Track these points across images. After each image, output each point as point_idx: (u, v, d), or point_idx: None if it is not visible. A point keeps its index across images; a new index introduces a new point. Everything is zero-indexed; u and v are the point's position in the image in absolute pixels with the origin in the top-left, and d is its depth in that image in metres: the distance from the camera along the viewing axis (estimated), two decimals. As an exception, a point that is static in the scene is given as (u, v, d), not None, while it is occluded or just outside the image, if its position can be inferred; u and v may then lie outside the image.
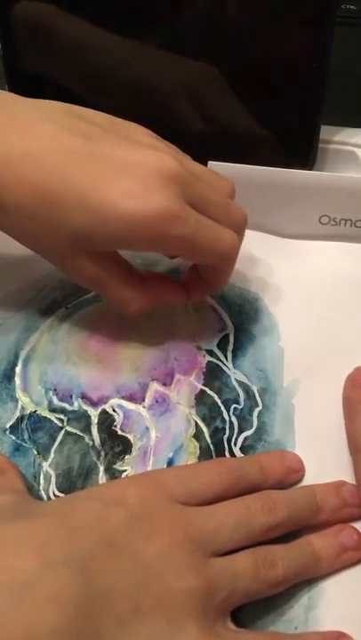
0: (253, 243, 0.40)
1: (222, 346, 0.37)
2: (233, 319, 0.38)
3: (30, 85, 0.41)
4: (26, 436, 0.34)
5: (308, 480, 0.32)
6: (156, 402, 0.35)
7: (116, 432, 0.34)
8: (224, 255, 0.34)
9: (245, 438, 0.33)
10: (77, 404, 0.35)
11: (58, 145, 0.31)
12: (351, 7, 0.46)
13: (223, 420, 0.34)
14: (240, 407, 0.34)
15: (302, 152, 0.40)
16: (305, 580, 0.29)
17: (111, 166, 0.31)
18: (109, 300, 0.35)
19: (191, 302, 0.39)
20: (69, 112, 0.33)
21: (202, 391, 0.35)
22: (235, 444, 0.33)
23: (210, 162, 0.39)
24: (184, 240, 0.31)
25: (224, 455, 0.33)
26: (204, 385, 0.35)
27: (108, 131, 0.33)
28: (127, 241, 0.32)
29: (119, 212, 0.30)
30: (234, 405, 0.35)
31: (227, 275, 0.35)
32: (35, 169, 0.31)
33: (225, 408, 0.34)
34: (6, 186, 0.31)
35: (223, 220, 0.33)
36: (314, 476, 0.32)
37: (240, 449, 0.33)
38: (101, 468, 0.33)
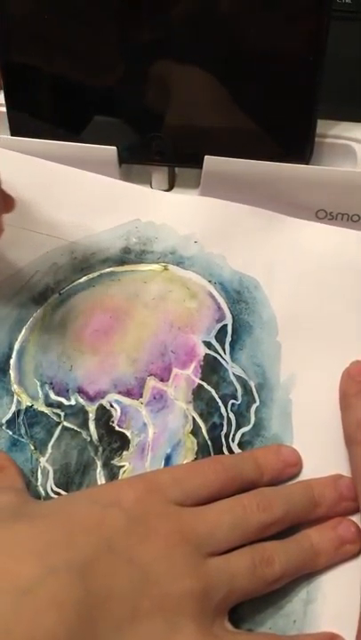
0: (254, 224, 0.39)
1: (220, 337, 0.36)
2: (231, 308, 0.37)
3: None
4: (22, 431, 0.33)
5: (306, 474, 0.32)
6: (154, 398, 0.35)
7: (114, 428, 0.34)
8: None
9: (243, 434, 0.33)
10: (74, 398, 0.34)
11: None
12: (347, 1, 0.46)
13: (221, 416, 0.34)
14: (238, 403, 0.34)
15: (299, 146, 0.40)
16: (303, 574, 0.29)
17: None
18: None
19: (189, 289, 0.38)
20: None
21: (199, 386, 0.35)
22: (232, 440, 0.33)
23: (206, 156, 0.39)
24: None
25: (222, 451, 0.33)
26: (201, 379, 0.35)
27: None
28: None
29: None
30: (232, 401, 0.34)
31: None
32: None
33: (223, 403, 0.34)
34: None
35: None
36: (312, 469, 0.32)
37: (238, 445, 0.33)
38: (99, 464, 0.33)
